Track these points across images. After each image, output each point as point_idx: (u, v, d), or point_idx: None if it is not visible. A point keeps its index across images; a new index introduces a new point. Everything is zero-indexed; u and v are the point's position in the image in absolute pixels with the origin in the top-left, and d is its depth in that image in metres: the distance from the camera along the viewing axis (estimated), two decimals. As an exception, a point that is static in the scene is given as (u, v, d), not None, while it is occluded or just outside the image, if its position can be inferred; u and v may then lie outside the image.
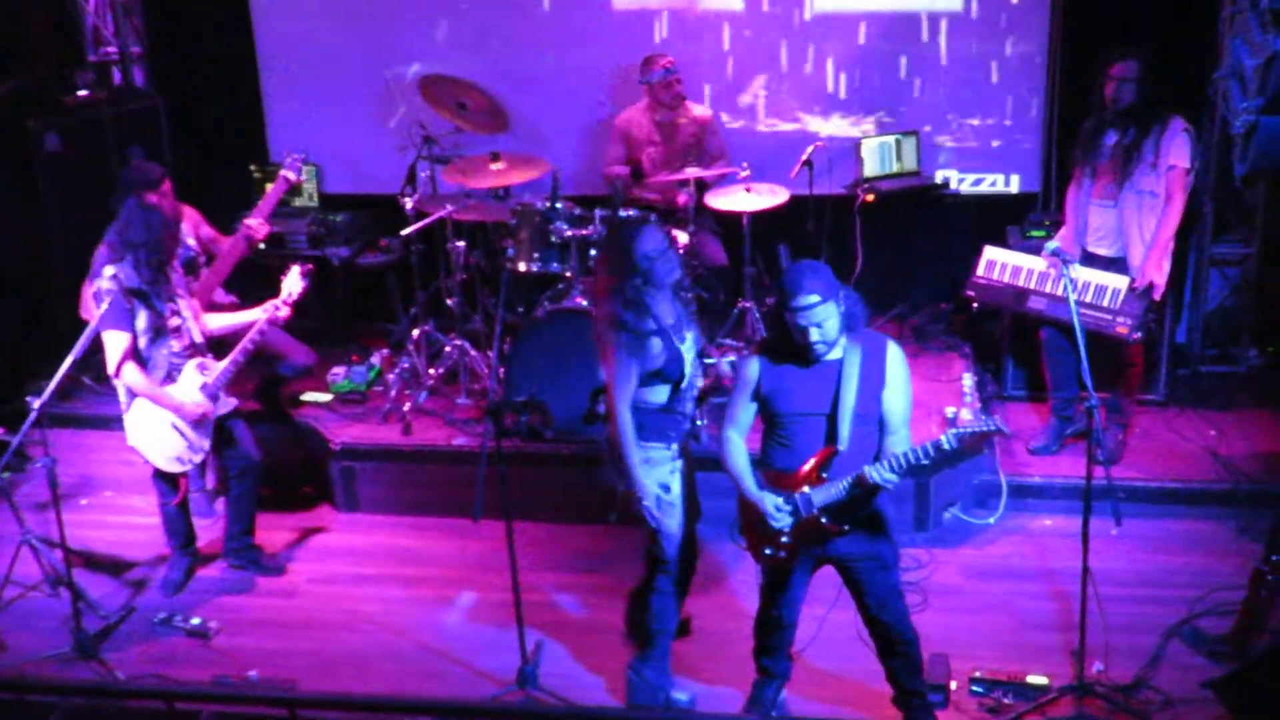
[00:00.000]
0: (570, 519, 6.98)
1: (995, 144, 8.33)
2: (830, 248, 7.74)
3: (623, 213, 7.04)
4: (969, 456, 6.69)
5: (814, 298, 4.66)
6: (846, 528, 4.84)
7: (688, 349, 5.24)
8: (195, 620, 6.27)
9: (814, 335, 4.70)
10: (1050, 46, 8.00)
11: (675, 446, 5.28)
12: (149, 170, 6.87)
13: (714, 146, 7.98)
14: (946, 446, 4.64)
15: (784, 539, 4.92)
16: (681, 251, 7.06)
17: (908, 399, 4.89)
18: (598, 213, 7.05)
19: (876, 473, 4.68)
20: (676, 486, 5.30)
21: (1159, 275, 6.62)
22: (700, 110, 8.03)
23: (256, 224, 7.12)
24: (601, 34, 8.45)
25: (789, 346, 4.83)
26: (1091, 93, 6.76)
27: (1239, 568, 6.08)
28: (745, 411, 5.00)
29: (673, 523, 5.32)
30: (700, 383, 5.44)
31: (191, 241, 7.04)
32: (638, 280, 5.07)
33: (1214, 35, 7.48)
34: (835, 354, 4.81)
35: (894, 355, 4.87)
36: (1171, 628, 5.88)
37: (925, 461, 4.68)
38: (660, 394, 5.18)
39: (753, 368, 4.93)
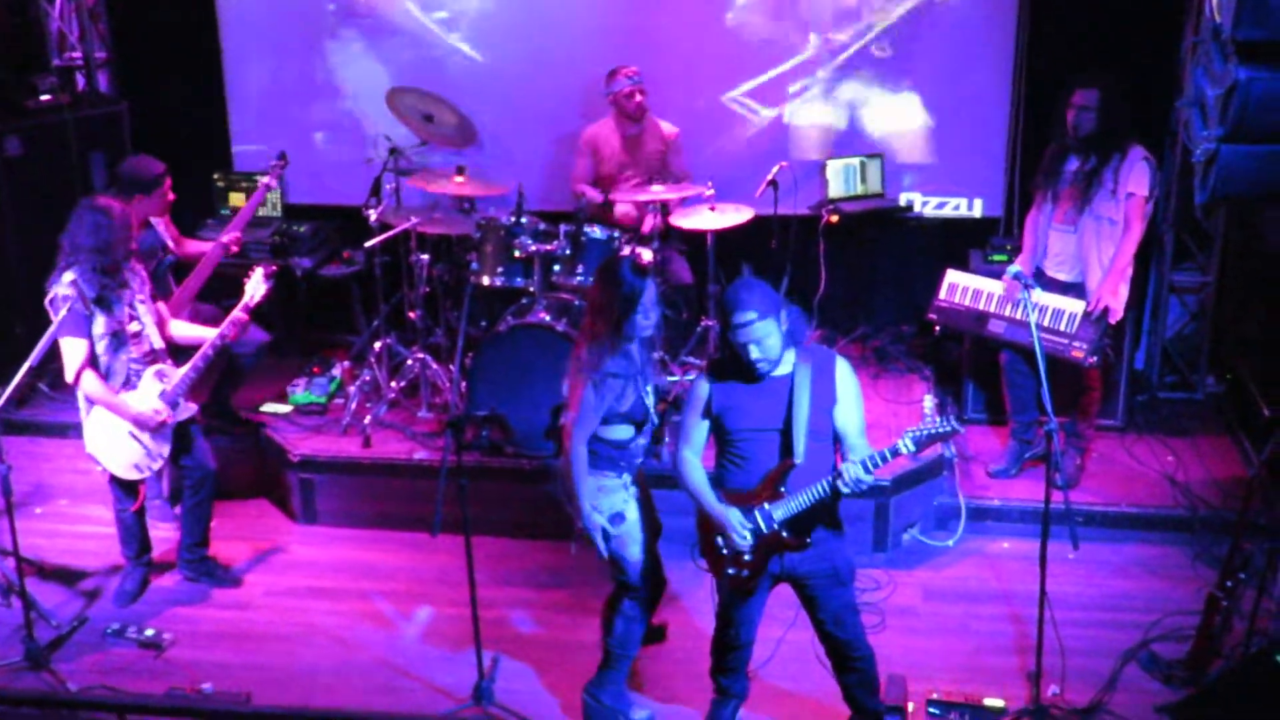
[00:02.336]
0: (530, 534, 6.96)
1: (959, 168, 8.36)
2: (794, 268, 7.74)
3: (588, 230, 7.06)
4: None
5: (751, 314, 4.67)
6: (809, 541, 4.84)
7: (649, 392, 5.26)
8: (149, 631, 6.20)
9: (754, 353, 4.72)
10: (1014, 72, 8.04)
11: (627, 476, 5.28)
12: (148, 166, 6.78)
13: (676, 166, 7.97)
14: (904, 450, 4.66)
15: (746, 557, 4.91)
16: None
17: (861, 412, 4.91)
18: (562, 228, 7.07)
19: (853, 470, 4.64)
20: (633, 514, 5.31)
21: (1114, 300, 6.66)
22: (667, 127, 8.02)
23: (230, 239, 7.11)
24: (569, 47, 8.43)
25: (737, 365, 4.84)
26: (1054, 119, 6.80)
27: (1195, 593, 6.12)
28: (699, 430, 5.00)
29: (635, 549, 5.33)
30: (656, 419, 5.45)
31: (170, 243, 7.00)
32: (628, 327, 5.07)
33: (1176, 64, 7.57)
34: (785, 369, 4.83)
35: (843, 370, 4.89)
36: (1127, 652, 5.89)
37: (882, 465, 4.69)
38: (622, 432, 5.19)
39: (703, 387, 4.94)
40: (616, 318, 5.05)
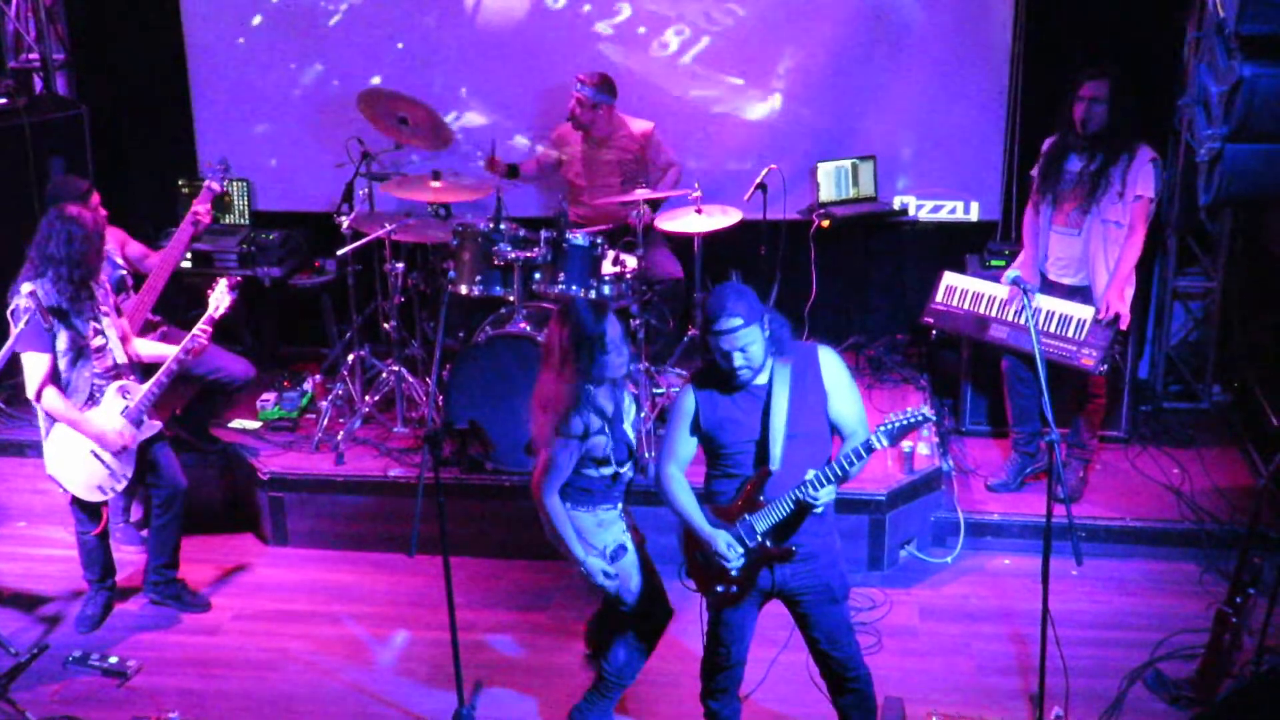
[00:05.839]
0: (511, 554, 6.90)
1: (954, 170, 8.27)
2: (784, 274, 7.70)
3: (569, 236, 6.94)
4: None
5: (737, 321, 4.58)
6: (795, 548, 4.74)
7: (629, 426, 5.20)
8: (112, 659, 6.11)
9: (738, 360, 4.63)
10: (1011, 72, 7.95)
11: (621, 505, 5.25)
12: (75, 185, 6.68)
13: (661, 161, 7.80)
14: (878, 445, 4.59)
15: (734, 573, 4.82)
16: (631, 276, 7.05)
17: (856, 400, 4.82)
18: (543, 234, 6.97)
19: (805, 491, 4.59)
20: (631, 545, 5.28)
21: (1122, 305, 6.58)
22: (640, 125, 7.84)
23: (204, 211, 6.96)
24: (549, 48, 8.30)
25: (719, 373, 4.76)
26: (1053, 119, 6.73)
27: (1203, 609, 6.08)
28: (685, 445, 4.91)
29: (636, 579, 5.30)
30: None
31: (119, 260, 6.88)
32: (596, 370, 4.97)
33: (1178, 61, 7.50)
34: (763, 378, 4.74)
35: (828, 361, 4.80)
36: (1133, 671, 5.83)
37: (856, 465, 4.61)
38: (606, 469, 5.14)
39: (689, 401, 4.84)
40: (582, 364, 4.95)
